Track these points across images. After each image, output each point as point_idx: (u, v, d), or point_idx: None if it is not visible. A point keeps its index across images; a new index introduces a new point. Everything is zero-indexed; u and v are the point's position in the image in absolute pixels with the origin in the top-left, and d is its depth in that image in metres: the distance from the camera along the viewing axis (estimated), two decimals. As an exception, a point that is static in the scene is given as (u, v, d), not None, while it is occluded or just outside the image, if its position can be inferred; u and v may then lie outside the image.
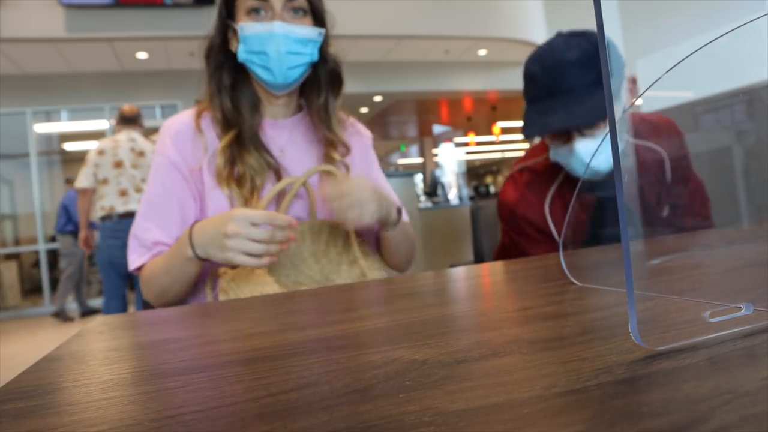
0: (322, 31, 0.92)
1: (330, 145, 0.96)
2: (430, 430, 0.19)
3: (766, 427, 0.17)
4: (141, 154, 2.94)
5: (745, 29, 0.34)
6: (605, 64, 0.24)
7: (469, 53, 6.12)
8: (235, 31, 0.89)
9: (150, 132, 3.40)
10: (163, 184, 0.88)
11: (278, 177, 0.89)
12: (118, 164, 2.87)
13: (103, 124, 5.69)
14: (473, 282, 0.59)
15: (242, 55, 0.88)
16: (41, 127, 5.96)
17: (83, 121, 5.98)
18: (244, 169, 0.86)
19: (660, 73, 0.37)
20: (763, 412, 0.18)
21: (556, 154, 0.99)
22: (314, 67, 0.94)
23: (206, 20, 4.59)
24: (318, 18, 0.93)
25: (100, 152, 2.89)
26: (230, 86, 0.91)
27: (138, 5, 4.73)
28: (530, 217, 1.06)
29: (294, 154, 0.94)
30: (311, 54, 0.91)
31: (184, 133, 0.90)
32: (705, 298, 0.35)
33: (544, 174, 1.07)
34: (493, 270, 0.67)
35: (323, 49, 0.94)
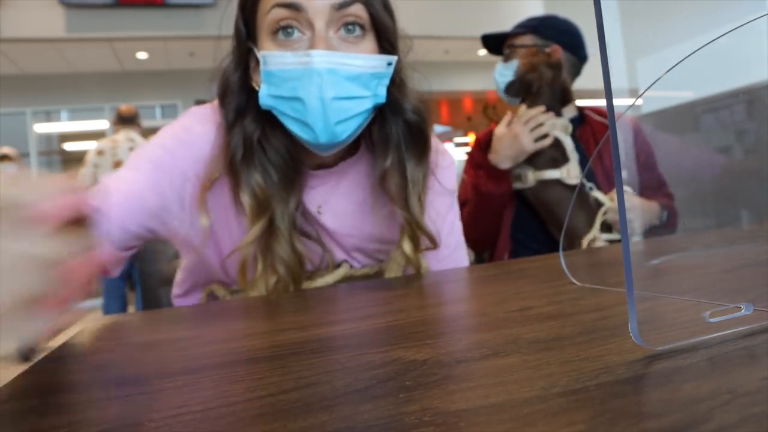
0: (393, 59, 0.61)
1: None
2: (430, 430, 0.19)
3: (766, 427, 0.17)
4: (141, 154, 2.93)
5: (745, 29, 0.34)
6: (605, 64, 0.24)
7: (469, 53, 6.12)
8: (257, 60, 0.61)
9: (149, 132, 3.40)
10: (154, 182, 0.63)
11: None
12: (118, 164, 2.87)
13: (103, 124, 5.69)
14: (473, 282, 0.59)
15: (266, 99, 0.60)
16: (41, 127, 5.96)
17: (83, 121, 5.98)
18: (271, 260, 0.62)
19: (660, 73, 0.37)
20: (763, 412, 0.18)
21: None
22: (380, 109, 0.64)
23: (207, 20, 4.60)
24: (385, 37, 0.62)
25: (99, 152, 2.89)
26: (258, 141, 0.63)
27: (138, 5, 4.73)
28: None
29: (337, 207, 0.68)
30: (375, 96, 0.61)
31: (204, 159, 0.65)
32: (705, 298, 0.35)
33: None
34: (493, 270, 0.67)
35: (393, 88, 0.63)
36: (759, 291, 0.38)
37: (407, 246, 0.65)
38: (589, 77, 1.27)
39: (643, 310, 0.34)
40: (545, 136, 1.15)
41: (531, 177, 1.17)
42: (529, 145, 1.13)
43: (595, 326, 0.32)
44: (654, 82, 0.38)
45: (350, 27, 0.60)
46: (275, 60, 0.58)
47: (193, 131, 0.67)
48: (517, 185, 1.19)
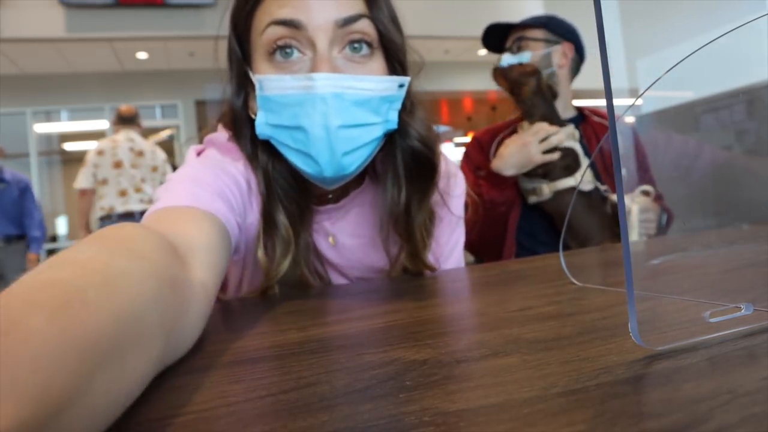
0: (405, 80, 0.56)
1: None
2: (430, 430, 0.19)
3: (767, 427, 0.17)
4: (140, 153, 2.94)
5: (745, 29, 0.34)
6: (605, 64, 0.24)
7: (469, 53, 6.12)
8: (253, 85, 0.56)
9: (148, 132, 3.40)
10: (216, 176, 0.55)
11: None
12: (118, 164, 2.88)
13: (103, 124, 5.69)
14: (473, 282, 0.59)
15: (263, 129, 0.55)
16: (41, 127, 5.97)
17: (83, 121, 5.98)
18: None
19: (660, 73, 0.37)
20: (763, 412, 0.18)
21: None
22: (389, 135, 0.59)
23: (207, 20, 4.60)
24: (394, 55, 0.57)
25: (100, 152, 2.89)
26: (272, 172, 0.59)
27: (138, 5, 4.74)
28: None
29: (343, 242, 0.65)
30: (386, 122, 0.56)
31: (240, 188, 0.57)
32: (705, 298, 0.35)
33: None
34: (493, 270, 0.67)
35: (403, 113, 0.58)
36: (759, 291, 0.38)
37: (408, 266, 0.64)
38: (589, 77, 1.27)
39: (643, 310, 0.34)
40: (554, 149, 1.14)
41: (546, 190, 1.15)
42: (537, 155, 1.12)
43: (595, 326, 0.32)
44: (654, 83, 0.38)
45: (356, 45, 0.54)
46: (272, 84, 0.53)
47: (229, 169, 0.58)
48: (533, 199, 1.18)
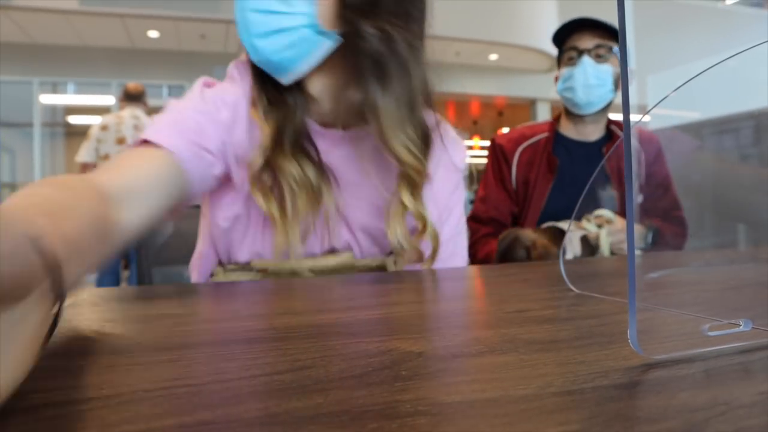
0: None
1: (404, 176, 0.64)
2: (425, 419, 0.19)
3: (762, 439, 0.17)
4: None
5: (757, 51, 0.34)
6: (624, 73, 0.24)
7: (481, 57, 6.12)
8: None
9: (154, 111, 3.40)
10: (205, 110, 0.63)
11: (319, 201, 0.64)
12: (121, 141, 2.87)
13: (109, 99, 5.69)
14: (471, 282, 0.59)
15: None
16: (47, 98, 5.95)
17: (89, 95, 5.97)
18: (281, 180, 0.62)
19: (670, 90, 0.37)
20: (758, 425, 0.18)
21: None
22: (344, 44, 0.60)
23: (220, 4, 4.59)
24: None
25: (103, 128, 2.89)
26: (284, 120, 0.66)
27: (153, -17, 4.73)
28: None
29: (341, 173, 0.68)
30: (302, 15, 0.59)
31: (235, 120, 0.65)
32: (702, 314, 0.35)
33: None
34: (492, 272, 0.67)
35: (356, 14, 0.60)
36: (758, 310, 0.38)
37: (406, 197, 0.64)
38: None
39: (640, 320, 0.34)
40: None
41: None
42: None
43: (592, 332, 0.32)
44: (662, 100, 0.37)
45: None
46: None
47: (229, 96, 0.67)
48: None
